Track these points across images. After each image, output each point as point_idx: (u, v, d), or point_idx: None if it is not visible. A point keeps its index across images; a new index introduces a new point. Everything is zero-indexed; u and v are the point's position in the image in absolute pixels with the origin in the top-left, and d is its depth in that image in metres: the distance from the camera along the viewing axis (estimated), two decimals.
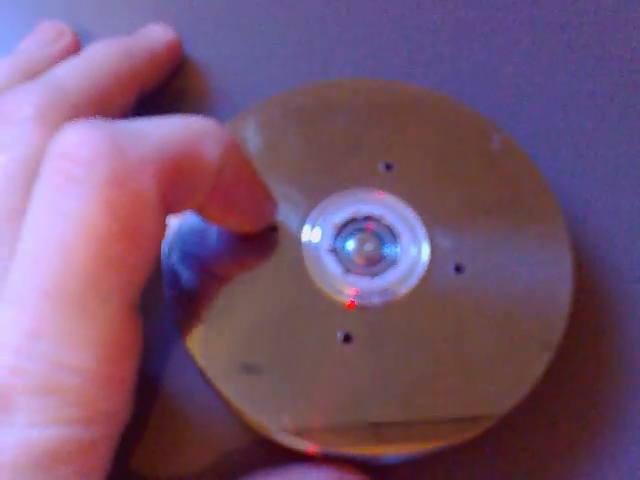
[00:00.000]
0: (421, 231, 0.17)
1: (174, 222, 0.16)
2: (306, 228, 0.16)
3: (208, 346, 0.15)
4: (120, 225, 0.12)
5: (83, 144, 0.12)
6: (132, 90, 0.18)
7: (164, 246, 0.16)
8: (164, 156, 0.12)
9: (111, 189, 0.12)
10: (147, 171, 0.12)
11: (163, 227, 0.13)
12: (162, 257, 0.16)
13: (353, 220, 0.17)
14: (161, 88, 0.21)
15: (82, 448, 0.12)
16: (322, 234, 0.16)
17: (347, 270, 0.16)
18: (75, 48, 0.20)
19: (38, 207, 0.12)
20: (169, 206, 0.13)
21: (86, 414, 0.12)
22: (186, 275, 0.16)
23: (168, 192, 0.13)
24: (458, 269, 0.16)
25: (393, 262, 0.16)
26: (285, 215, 0.17)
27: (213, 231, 0.16)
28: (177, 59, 0.21)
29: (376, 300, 0.16)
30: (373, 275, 0.16)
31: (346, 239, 0.17)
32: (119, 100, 0.17)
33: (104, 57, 0.18)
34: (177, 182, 0.13)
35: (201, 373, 0.15)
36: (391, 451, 0.14)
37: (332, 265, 0.16)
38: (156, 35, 0.20)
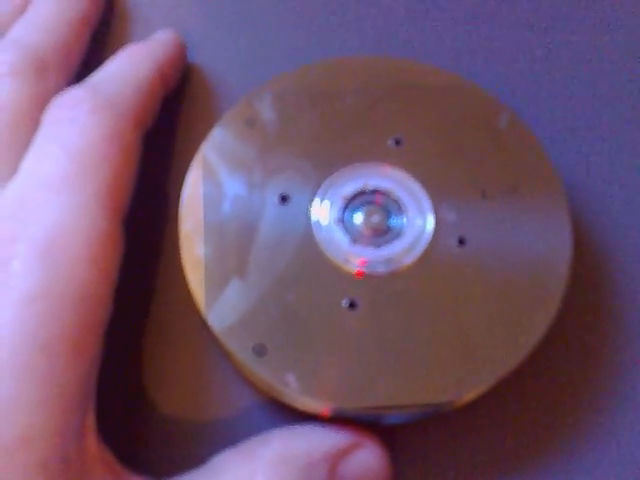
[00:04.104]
0: (427, 204, 0.17)
1: (187, 191, 0.17)
2: (316, 200, 0.17)
3: (217, 307, 0.16)
4: (109, 130, 0.16)
5: (68, 98, 0.16)
6: (86, 34, 0.20)
7: (180, 214, 0.17)
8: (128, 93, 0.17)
9: (94, 115, 0.16)
10: (120, 102, 0.17)
11: (140, 138, 0.17)
12: (178, 225, 0.17)
13: (361, 193, 0.17)
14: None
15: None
16: (331, 206, 0.17)
17: (354, 240, 0.17)
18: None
19: (39, 138, 0.16)
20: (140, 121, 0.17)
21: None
22: (200, 243, 0.17)
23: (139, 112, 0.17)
24: (461, 242, 0.17)
25: (399, 233, 0.17)
26: (296, 187, 0.17)
27: (226, 200, 0.17)
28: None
29: (381, 269, 0.16)
30: (379, 245, 0.17)
31: (354, 211, 0.17)
32: (75, 46, 0.20)
33: (56, 9, 0.20)
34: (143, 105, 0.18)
35: (210, 333, 0.16)
36: (395, 409, 0.15)
37: (340, 235, 0.17)
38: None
